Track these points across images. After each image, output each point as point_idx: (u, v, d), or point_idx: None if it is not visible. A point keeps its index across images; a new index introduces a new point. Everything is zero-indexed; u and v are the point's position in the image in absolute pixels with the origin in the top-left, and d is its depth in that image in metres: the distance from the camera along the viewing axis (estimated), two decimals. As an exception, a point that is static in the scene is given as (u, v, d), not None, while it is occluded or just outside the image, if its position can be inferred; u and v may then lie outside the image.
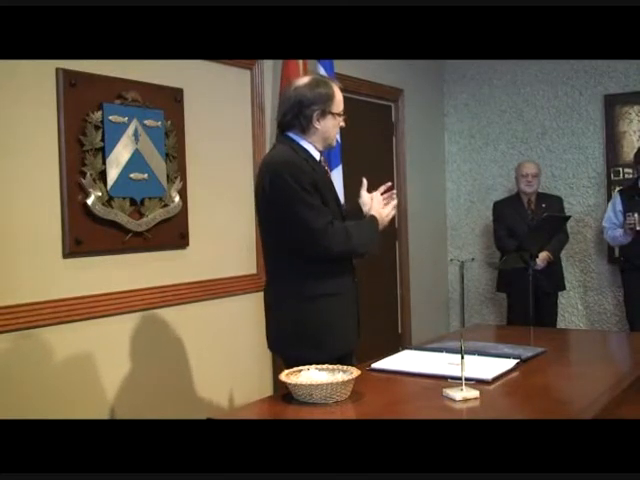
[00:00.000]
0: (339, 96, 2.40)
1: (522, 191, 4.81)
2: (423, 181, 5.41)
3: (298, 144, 2.38)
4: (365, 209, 2.50)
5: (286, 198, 2.26)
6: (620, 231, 4.41)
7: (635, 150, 4.68)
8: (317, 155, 2.41)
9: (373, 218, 2.44)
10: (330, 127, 2.39)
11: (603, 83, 5.03)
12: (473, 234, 5.65)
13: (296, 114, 2.35)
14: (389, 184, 2.56)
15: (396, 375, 2.25)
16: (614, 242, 4.56)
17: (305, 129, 2.37)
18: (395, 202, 2.55)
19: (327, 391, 1.91)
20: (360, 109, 4.70)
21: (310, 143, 2.39)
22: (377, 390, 2.10)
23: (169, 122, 3.30)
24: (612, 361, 2.72)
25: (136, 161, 3.12)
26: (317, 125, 2.36)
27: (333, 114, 2.38)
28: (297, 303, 2.33)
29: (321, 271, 2.31)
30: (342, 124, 2.45)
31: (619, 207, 4.44)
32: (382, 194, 2.52)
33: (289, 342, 2.36)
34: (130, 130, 3.10)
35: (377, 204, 2.48)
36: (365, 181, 2.55)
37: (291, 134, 2.39)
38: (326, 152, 3.54)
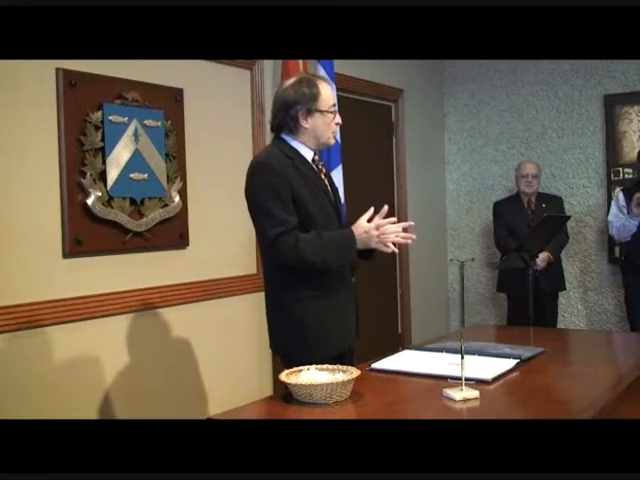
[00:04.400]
0: (326, 93, 2.38)
1: (522, 191, 4.81)
2: (423, 181, 5.41)
3: (288, 145, 2.37)
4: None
5: (251, 202, 2.33)
6: (626, 219, 4.37)
7: (637, 150, 4.68)
8: (309, 155, 2.40)
9: (349, 232, 2.29)
10: (320, 125, 2.37)
11: (603, 83, 5.03)
12: (473, 234, 5.65)
13: (283, 115, 2.36)
14: (393, 219, 2.29)
15: (396, 375, 2.25)
16: (621, 234, 4.46)
17: (293, 129, 2.36)
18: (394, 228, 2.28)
19: (327, 391, 1.91)
20: (360, 109, 4.70)
21: (302, 143, 2.38)
22: (377, 390, 2.10)
23: (169, 122, 3.30)
24: (612, 361, 2.72)
25: (136, 161, 3.12)
26: (305, 124, 2.35)
27: (321, 111, 2.36)
28: (291, 303, 2.33)
29: (315, 271, 2.30)
30: (338, 121, 2.41)
31: (622, 203, 4.44)
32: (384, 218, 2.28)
33: (286, 342, 2.37)
34: (130, 130, 3.10)
35: (364, 224, 2.28)
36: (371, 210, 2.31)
37: (283, 135, 2.40)
38: (325, 152, 3.55)
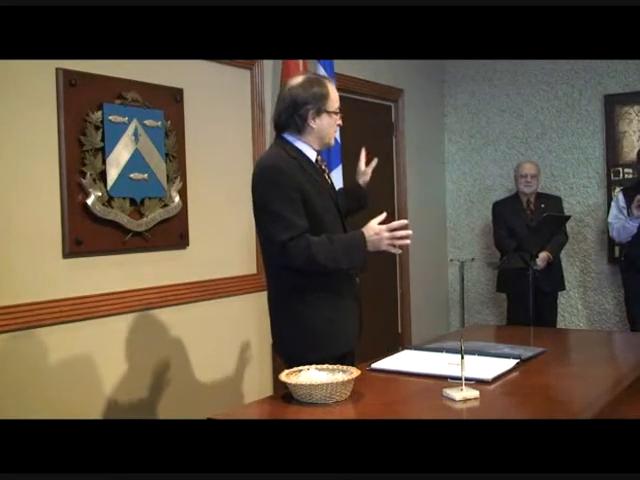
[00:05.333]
0: (334, 94, 2.39)
1: (521, 191, 4.81)
2: (423, 181, 5.41)
3: (292, 145, 2.37)
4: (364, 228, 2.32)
5: (261, 205, 2.30)
6: (626, 220, 4.37)
7: (636, 150, 4.68)
8: (313, 155, 2.40)
9: (359, 234, 2.28)
10: (326, 125, 2.37)
11: (603, 83, 5.03)
12: (473, 234, 5.65)
13: (291, 114, 2.35)
14: (405, 222, 2.32)
15: (396, 375, 2.24)
16: (621, 235, 4.46)
17: (301, 129, 2.36)
18: (405, 240, 2.28)
19: (327, 391, 1.91)
20: (360, 109, 4.70)
21: (305, 143, 2.38)
22: (377, 390, 2.10)
23: (169, 122, 3.30)
24: (612, 361, 2.72)
25: (136, 161, 3.12)
26: (313, 124, 2.35)
27: (329, 112, 2.36)
28: (299, 305, 2.33)
29: (321, 273, 2.30)
30: (339, 122, 2.42)
31: (622, 204, 4.44)
32: (393, 230, 2.27)
33: (290, 343, 2.37)
34: (130, 130, 3.10)
35: (375, 226, 2.27)
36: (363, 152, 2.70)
37: (286, 135, 2.39)
38: (325, 152, 3.56)
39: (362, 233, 2.27)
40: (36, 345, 2.79)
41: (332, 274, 2.33)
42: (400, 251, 2.36)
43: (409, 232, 2.28)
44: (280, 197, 2.24)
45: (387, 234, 2.25)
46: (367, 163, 2.77)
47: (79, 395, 2.92)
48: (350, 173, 4.10)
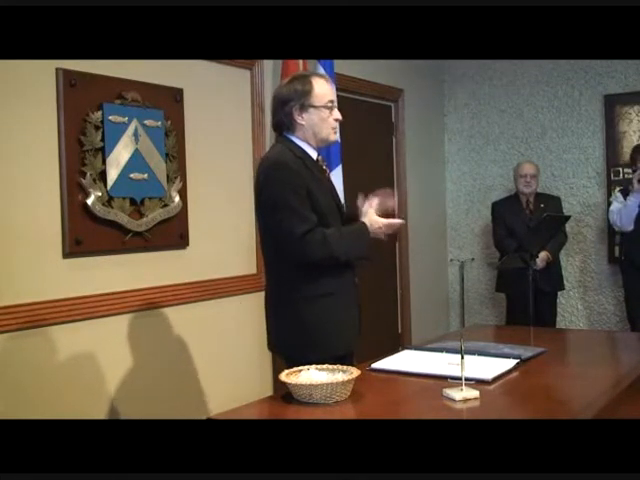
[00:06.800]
0: (320, 89, 2.37)
1: (520, 191, 4.81)
2: (423, 181, 5.41)
3: (295, 144, 2.38)
4: (361, 217, 2.44)
5: (272, 201, 2.30)
6: (623, 205, 4.38)
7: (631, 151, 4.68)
8: (314, 154, 2.41)
9: (363, 225, 2.38)
10: (317, 121, 2.37)
11: (603, 83, 5.03)
12: (473, 234, 5.65)
13: (279, 113, 2.38)
14: (401, 221, 2.50)
15: (396, 375, 2.25)
16: (623, 218, 4.42)
17: (290, 126, 2.38)
18: (396, 221, 2.45)
19: (327, 391, 1.91)
20: (360, 109, 4.70)
21: (304, 141, 2.39)
22: (377, 390, 2.10)
23: (169, 122, 3.30)
24: (612, 361, 2.72)
25: (136, 161, 3.12)
26: (300, 120, 2.36)
27: (316, 107, 2.36)
28: (297, 303, 2.33)
29: (320, 271, 2.31)
30: (337, 117, 2.41)
31: (621, 199, 4.46)
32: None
33: (290, 343, 2.37)
34: (130, 130, 3.10)
35: (371, 212, 2.41)
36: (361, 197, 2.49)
37: (285, 133, 2.41)
38: (325, 152, 3.56)
39: (364, 224, 2.38)
40: (36, 345, 2.79)
41: (333, 275, 2.34)
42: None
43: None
44: (291, 192, 2.26)
45: (385, 221, 2.40)
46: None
47: (79, 395, 2.92)
48: (350, 173, 4.12)
